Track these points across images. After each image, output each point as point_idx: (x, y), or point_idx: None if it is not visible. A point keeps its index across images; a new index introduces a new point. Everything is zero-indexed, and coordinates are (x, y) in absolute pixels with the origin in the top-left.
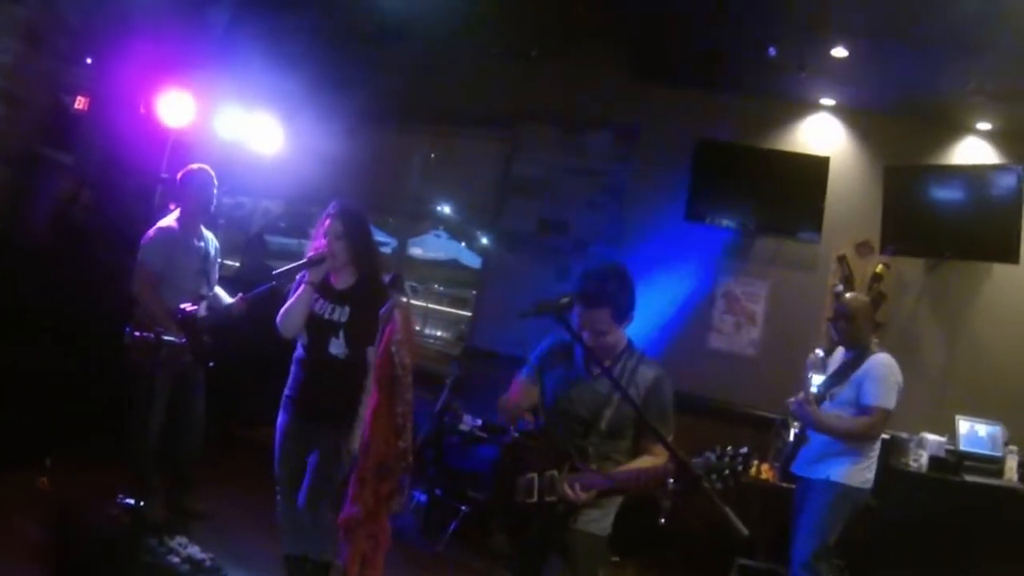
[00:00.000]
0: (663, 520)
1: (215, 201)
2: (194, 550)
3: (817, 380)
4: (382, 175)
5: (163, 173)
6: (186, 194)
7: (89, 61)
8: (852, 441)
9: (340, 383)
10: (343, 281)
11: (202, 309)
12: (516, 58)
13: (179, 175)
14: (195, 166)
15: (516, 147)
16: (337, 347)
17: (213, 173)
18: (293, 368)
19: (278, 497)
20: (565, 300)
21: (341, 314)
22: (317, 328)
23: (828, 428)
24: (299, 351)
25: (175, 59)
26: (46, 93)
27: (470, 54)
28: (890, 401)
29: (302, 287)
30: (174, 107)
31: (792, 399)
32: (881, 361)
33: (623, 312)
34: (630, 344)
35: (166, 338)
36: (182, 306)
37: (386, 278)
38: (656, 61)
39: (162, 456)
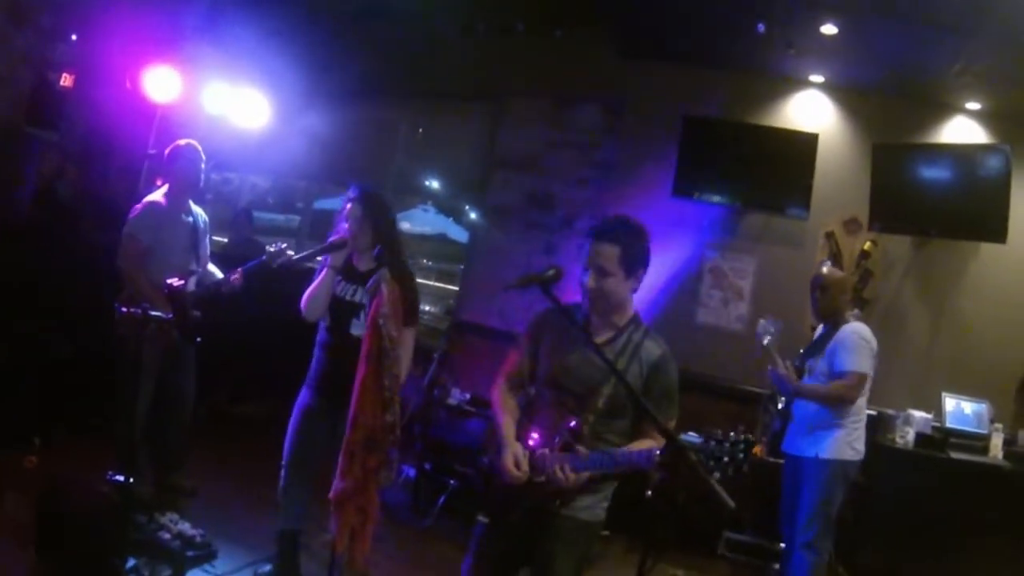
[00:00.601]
0: (649, 492)
1: (203, 177)
2: (184, 526)
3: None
4: (369, 150)
5: (150, 149)
6: (173, 170)
7: (74, 37)
8: (832, 406)
9: None
10: (365, 263)
11: (190, 284)
12: (502, 33)
13: (166, 151)
14: (183, 142)
15: (503, 121)
16: (359, 328)
17: (200, 149)
18: (316, 351)
19: (283, 472)
20: (551, 272)
21: (363, 295)
22: (339, 310)
23: (807, 393)
24: (322, 334)
25: (161, 34)
26: (30, 70)
27: (456, 29)
28: (863, 365)
29: (324, 271)
30: (160, 82)
31: (769, 367)
32: (852, 329)
33: (632, 260)
34: (637, 316)
35: (153, 313)
36: (168, 281)
37: (373, 252)
38: (644, 36)
39: (152, 432)
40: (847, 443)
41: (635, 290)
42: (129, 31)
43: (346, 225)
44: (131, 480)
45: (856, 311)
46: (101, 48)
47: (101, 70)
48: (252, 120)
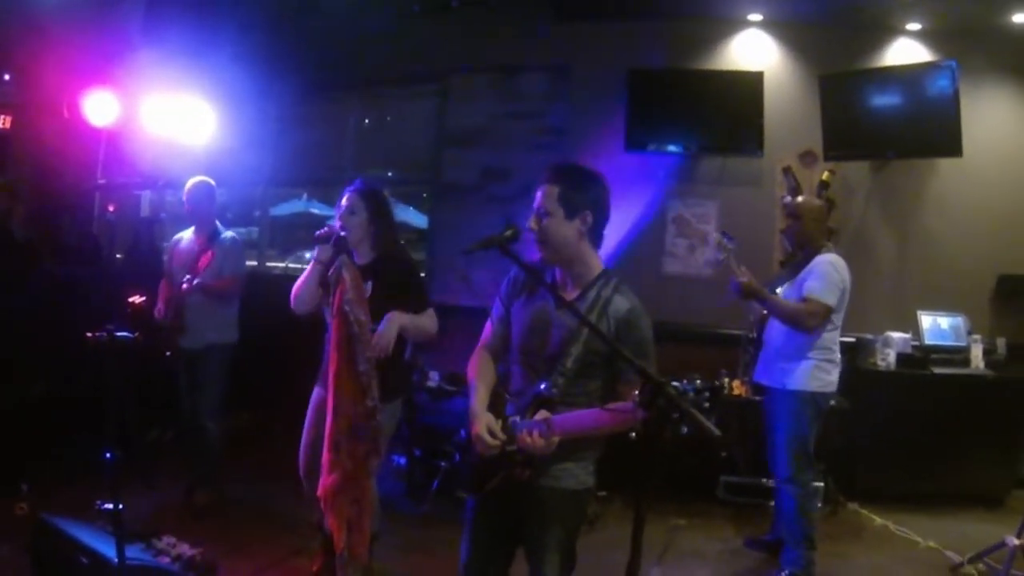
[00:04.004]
0: (633, 435)
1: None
2: (184, 547)
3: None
4: (319, 148)
5: (100, 179)
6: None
7: (7, 77)
8: (796, 334)
9: None
10: (364, 256)
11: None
12: (439, 11)
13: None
14: (195, 179)
15: (450, 99)
16: None
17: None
18: (326, 346)
19: (306, 483)
20: (509, 232)
21: (364, 289)
22: None
23: (769, 303)
24: (328, 332)
25: (95, 57)
26: None
27: (391, 14)
28: (829, 297)
29: (311, 264)
30: (99, 107)
31: (731, 279)
32: (825, 259)
33: (573, 199)
34: (606, 271)
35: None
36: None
37: (332, 239)
38: None
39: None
40: (814, 375)
41: (584, 235)
42: (62, 59)
43: (338, 221)
44: (121, 508)
45: (829, 243)
46: (36, 82)
47: (39, 104)
48: (198, 134)
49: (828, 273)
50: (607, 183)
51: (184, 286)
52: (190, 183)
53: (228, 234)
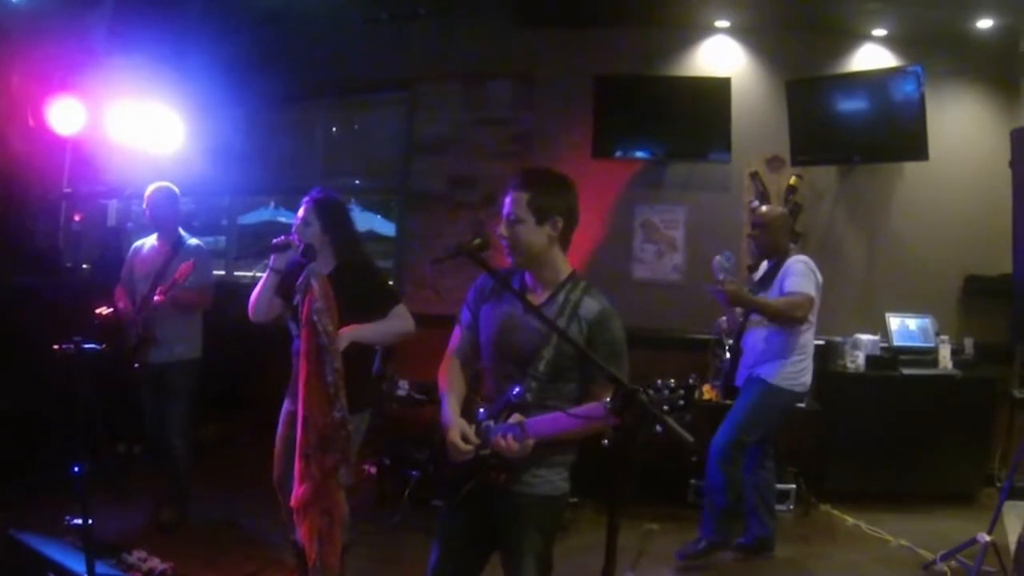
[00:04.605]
0: (606, 441)
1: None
2: (154, 562)
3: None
4: (288, 157)
5: (66, 187)
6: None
7: None
8: (779, 332)
9: None
10: (326, 266)
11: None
12: (406, 19)
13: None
14: (155, 184)
15: (417, 108)
16: None
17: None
18: (293, 359)
19: (280, 494)
20: (477, 241)
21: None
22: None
23: (758, 304)
24: (294, 342)
25: (60, 64)
26: None
27: (359, 22)
28: (809, 288)
29: (267, 273)
30: (65, 115)
31: (718, 288)
32: (797, 259)
33: (543, 205)
34: (575, 274)
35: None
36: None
37: (300, 247)
38: (545, 4)
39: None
40: (789, 372)
41: (555, 240)
42: (27, 67)
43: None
44: (91, 523)
45: (794, 245)
46: (0, 90)
47: (3, 112)
48: (166, 142)
49: (803, 271)
50: (575, 187)
51: (157, 297)
52: (150, 189)
53: (194, 242)
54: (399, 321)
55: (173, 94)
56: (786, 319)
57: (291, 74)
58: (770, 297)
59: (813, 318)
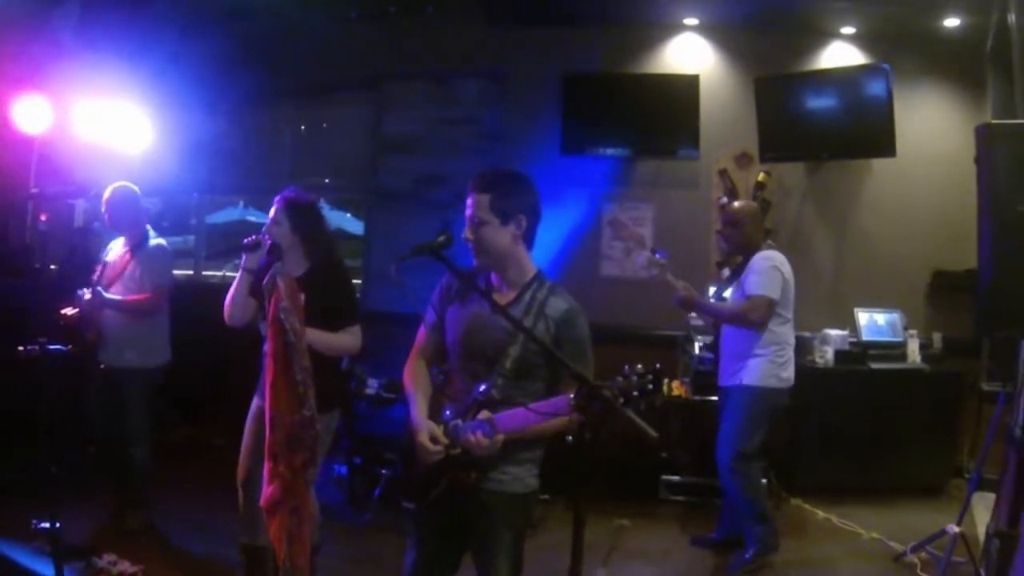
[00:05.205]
0: (569, 438)
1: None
2: (124, 565)
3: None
4: (256, 156)
5: (33, 187)
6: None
7: None
8: (746, 332)
9: None
10: (298, 267)
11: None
12: (375, 18)
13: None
14: (113, 185)
15: (386, 107)
16: None
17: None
18: (263, 358)
19: (241, 490)
20: (441, 239)
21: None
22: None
23: (710, 310)
24: (265, 344)
25: (26, 63)
26: None
27: (328, 21)
28: (770, 290)
29: (239, 273)
30: (31, 113)
31: (675, 295)
32: (762, 255)
33: (506, 205)
34: (540, 274)
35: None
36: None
37: (266, 245)
38: (514, 3)
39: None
40: (770, 371)
41: (519, 239)
42: None
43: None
44: (59, 527)
45: (769, 241)
46: None
47: None
48: (134, 140)
49: (764, 268)
50: (535, 184)
51: (87, 297)
52: (108, 190)
53: (154, 242)
54: (350, 339)
55: (141, 92)
56: (742, 323)
57: (260, 72)
58: (738, 291)
59: (786, 312)
